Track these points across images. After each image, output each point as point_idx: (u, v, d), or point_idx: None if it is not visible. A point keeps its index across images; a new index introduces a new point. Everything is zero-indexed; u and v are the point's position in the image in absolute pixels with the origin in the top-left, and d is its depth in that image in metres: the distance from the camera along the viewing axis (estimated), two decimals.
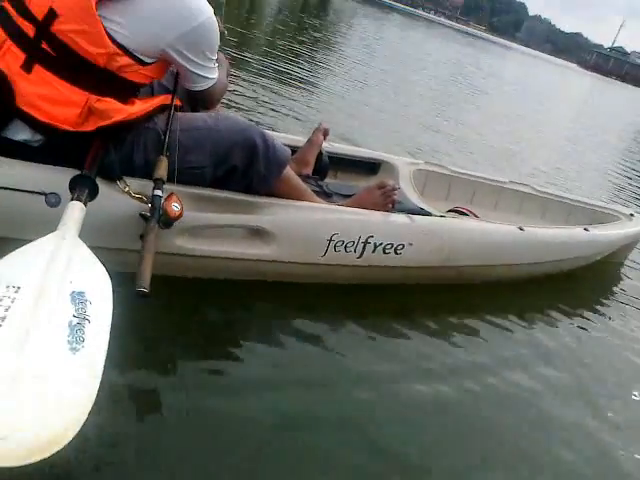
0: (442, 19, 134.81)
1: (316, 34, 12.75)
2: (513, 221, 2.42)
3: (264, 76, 5.70)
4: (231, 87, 4.55)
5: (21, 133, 1.48)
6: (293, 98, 5.18)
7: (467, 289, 2.28)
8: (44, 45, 1.40)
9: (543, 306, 2.41)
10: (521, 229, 2.30)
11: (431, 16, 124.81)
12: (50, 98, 1.43)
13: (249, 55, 6.66)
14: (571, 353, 2.14)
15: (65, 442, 0.83)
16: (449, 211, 2.55)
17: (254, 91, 4.89)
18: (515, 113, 10.45)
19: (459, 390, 1.72)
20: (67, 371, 0.91)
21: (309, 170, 2.34)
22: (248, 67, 5.86)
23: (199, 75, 1.61)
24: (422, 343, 1.90)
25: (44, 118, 1.43)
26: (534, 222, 2.57)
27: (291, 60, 7.48)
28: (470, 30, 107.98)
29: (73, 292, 1.05)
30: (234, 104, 4.22)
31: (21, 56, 1.41)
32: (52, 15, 1.38)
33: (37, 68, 1.41)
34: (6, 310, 0.95)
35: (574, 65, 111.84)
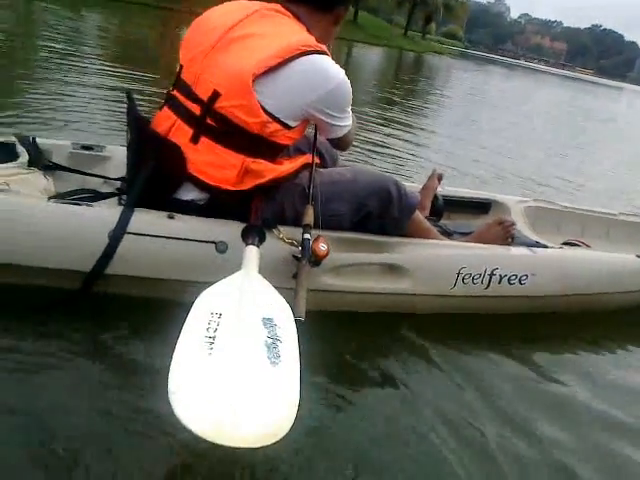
0: (545, 67, 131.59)
1: (413, 86, 13.25)
2: (627, 251, 2.44)
3: (373, 129, 6.15)
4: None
5: (190, 194, 1.76)
6: (408, 147, 5.61)
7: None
8: (208, 120, 1.67)
9: None
10: (638, 256, 2.34)
11: (533, 64, 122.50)
12: (213, 163, 1.70)
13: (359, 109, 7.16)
14: None
15: (283, 434, 0.99)
16: (563, 244, 2.62)
17: (371, 141, 5.36)
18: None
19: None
20: (274, 380, 1.09)
21: (426, 213, 2.52)
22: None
23: (338, 126, 1.81)
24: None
25: (210, 180, 1.71)
26: None
27: (401, 110, 8.05)
28: (576, 75, 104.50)
29: (264, 318, 1.24)
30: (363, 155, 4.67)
31: (189, 131, 1.69)
32: (216, 95, 1.64)
33: (203, 140, 1.69)
34: (215, 331, 1.18)
35: None
